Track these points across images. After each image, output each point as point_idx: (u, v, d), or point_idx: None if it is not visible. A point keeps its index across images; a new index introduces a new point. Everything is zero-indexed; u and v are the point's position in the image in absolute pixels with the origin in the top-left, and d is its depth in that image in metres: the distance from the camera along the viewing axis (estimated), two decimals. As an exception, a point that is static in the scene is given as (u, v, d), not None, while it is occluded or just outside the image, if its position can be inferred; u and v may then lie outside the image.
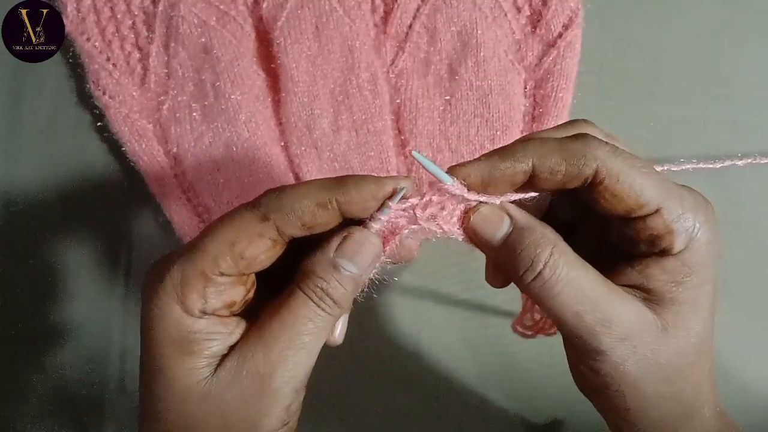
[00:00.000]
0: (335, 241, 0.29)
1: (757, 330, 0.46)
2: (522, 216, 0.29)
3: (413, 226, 0.30)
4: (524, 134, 0.46)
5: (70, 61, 0.48)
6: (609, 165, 0.27)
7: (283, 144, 0.47)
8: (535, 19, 0.46)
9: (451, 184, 0.28)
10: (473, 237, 0.30)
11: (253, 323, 0.29)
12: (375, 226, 0.29)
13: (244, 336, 0.29)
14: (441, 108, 0.46)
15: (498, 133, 0.45)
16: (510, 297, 0.42)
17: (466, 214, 0.29)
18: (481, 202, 0.29)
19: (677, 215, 0.28)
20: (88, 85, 0.47)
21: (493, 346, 0.48)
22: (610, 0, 0.47)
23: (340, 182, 0.28)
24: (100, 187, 0.49)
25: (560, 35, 0.45)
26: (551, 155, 0.28)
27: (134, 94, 0.47)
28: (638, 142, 0.46)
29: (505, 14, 0.46)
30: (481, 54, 0.45)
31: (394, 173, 0.46)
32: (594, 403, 0.31)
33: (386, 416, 0.48)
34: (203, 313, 0.28)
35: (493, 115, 0.45)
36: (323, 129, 0.46)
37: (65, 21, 0.47)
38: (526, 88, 0.46)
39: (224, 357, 0.28)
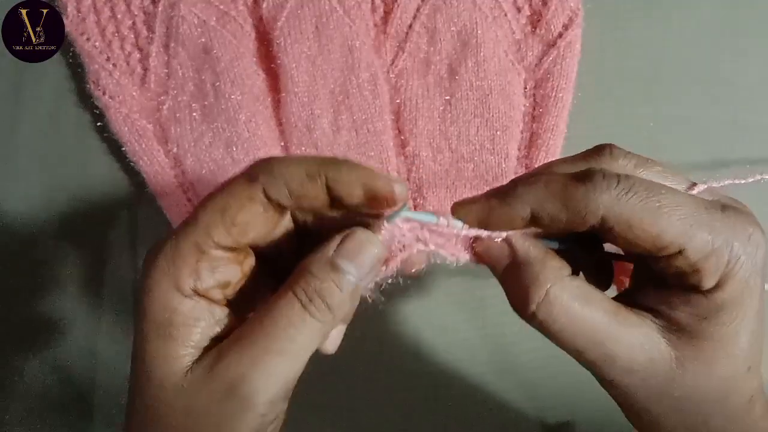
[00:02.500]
0: (335, 240, 0.27)
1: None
2: (523, 248, 0.28)
3: (421, 247, 0.30)
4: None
5: (70, 61, 0.48)
6: (617, 212, 0.25)
7: (283, 144, 0.47)
8: (535, 19, 0.46)
9: (438, 222, 0.28)
10: (484, 263, 0.30)
11: (240, 320, 0.28)
12: (380, 234, 0.29)
13: (227, 332, 0.28)
14: (441, 108, 0.46)
15: (498, 133, 0.45)
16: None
17: (473, 243, 0.30)
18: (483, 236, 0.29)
19: (705, 253, 0.25)
20: (88, 85, 0.47)
21: (494, 346, 0.48)
22: (610, 0, 0.47)
23: (333, 160, 0.27)
24: (99, 187, 0.49)
25: (560, 35, 0.45)
26: (551, 202, 0.26)
27: (134, 94, 0.47)
28: (638, 142, 0.46)
29: (505, 14, 0.46)
30: (481, 54, 0.45)
31: (394, 173, 0.46)
32: None
33: (386, 416, 0.48)
34: (195, 292, 0.27)
35: (493, 115, 0.45)
36: (323, 129, 0.46)
37: (65, 21, 0.47)
38: (526, 88, 0.46)
39: (205, 350, 0.27)
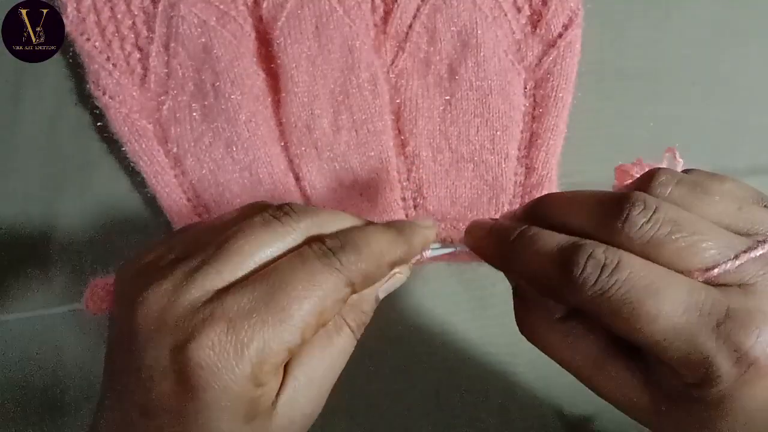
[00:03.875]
0: (384, 279, 0.31)
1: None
2: (522, 284, 0.30)
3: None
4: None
5: (70, 61, 0.48)
6: (591, 306, 0.24)
7: (283, 144, 0.47)
8: (535, 19, 0.46)
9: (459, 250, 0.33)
10: None
11: (294, 362, 0.28)
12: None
13: (294, 378, 0.28)
14: (441, 108, 0.46)
15: (498, 133, 0.45)
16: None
17: None
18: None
19: (680, 362, 0.23)
20: (88, 85, 0.47)
21: (493, 345, 0.48)
22: (610, 0, 0.47)
23: (402, 234, 0.30)
24: (99, 187, 0.49)
25: (560, 35, 0.45)
26: (535, 281, 0.27)
27: (134, 94, 0.47)
28: (638, 142, 0.46)
29: (505, 14, 0.46)
30: (481, 54, 0.45)
31: (395, 173, 0.46)
32: None
33: (386, 413, 0.48)
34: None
35: (493, 115, 0.45)
36: (323, 129, 0.46)
37: (65, 21, 0.47)
38: (526, 88, 0.46)
39: (276, 399, 0.27)
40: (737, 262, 0.24)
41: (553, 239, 0.26)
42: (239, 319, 0.24)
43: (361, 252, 0.27)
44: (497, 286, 0.46)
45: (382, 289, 0.31)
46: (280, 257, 0.27)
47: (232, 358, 0.24)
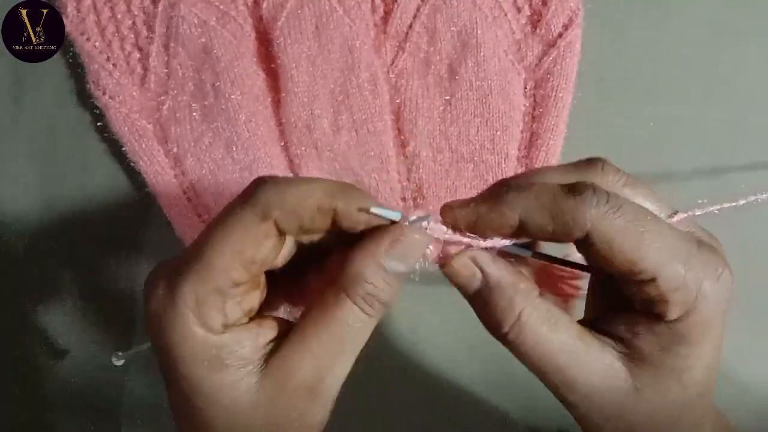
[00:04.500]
0: (384, 242, 0.27)
1: (757, 329, 0.46)
2: (495, 272, 0.28)
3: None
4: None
5: (70, 61, 0.48)
6: (602, 229, 0.25)
7: (283, 144, 0.47)
8: (535, 19, 0.46)
9: (399, 218, 0.28)
10: (452, 283, 0.30)
11: (289, 326, 0.28)
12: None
13: (287, 345, 0.28)
14: (441, 108, 0.46)
15: (498, 133, 0.45)
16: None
17: (443, 260, 0.29)
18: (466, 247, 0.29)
19: (676, 285, 0.26)
20: (88, 85, 0.47)
21: (492, 346, 0.48)
22: (610, 0, 0.47)
23: (342, 189, 0.27)
24: (99, 187, 0.49)
25: (560, 35, 0.45)
26: (540, 212, 0.26)
27: (134, 94, 0.47)
28: (638, 142, 0.47)
29: (505, 14, 0.46)
30: (481, 54, 0.45)
31: (394, 173, 0.46)
32: None
33: (373, 422, 0.48)
34: (225, 327, 0.27)
35: (493, 115, 0.45)
36: (323, 129, 0.46)
37: (65, 21, 0.47)
38: (526, 88, 0.46)
39: (266, 363, 0.28)
40: (689, 214, 0.29)
41: (544, 184, 0.27)
42: (174, 275, 0.27)
43: (285, 188, 0.26)
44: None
45: (388, 255, 0.27)
46: None
47: (171, 307, 0.27)
